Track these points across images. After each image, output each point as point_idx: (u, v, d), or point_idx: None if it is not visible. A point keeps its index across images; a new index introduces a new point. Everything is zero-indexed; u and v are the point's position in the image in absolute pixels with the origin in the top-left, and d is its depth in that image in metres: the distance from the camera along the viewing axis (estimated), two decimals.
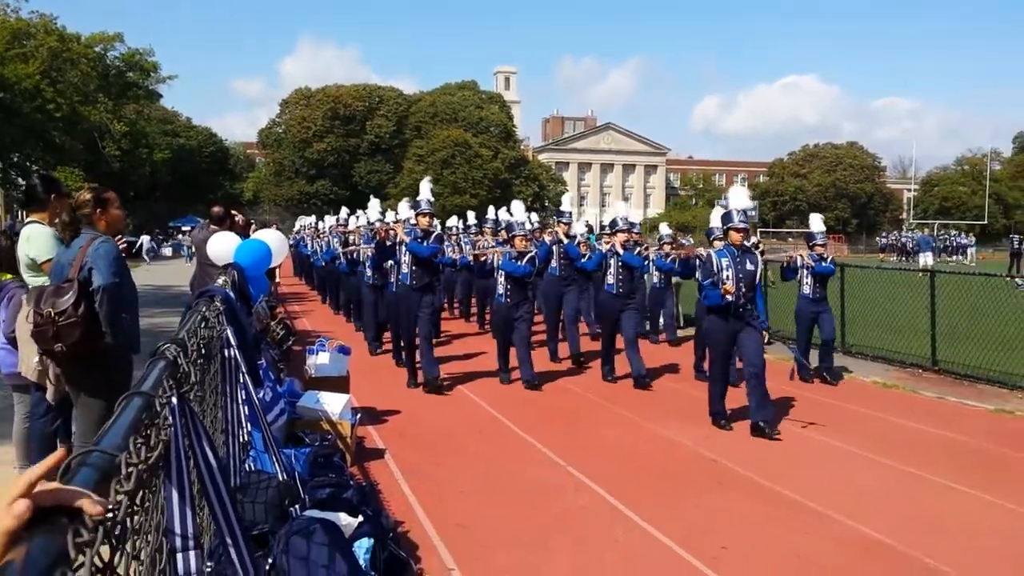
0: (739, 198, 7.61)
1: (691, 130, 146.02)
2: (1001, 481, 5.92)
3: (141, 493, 1.45)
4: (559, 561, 4.49)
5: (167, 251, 46.53)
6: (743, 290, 7.31)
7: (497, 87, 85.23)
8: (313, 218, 26.99)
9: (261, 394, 4.68)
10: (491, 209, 16.66)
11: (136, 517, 1.43)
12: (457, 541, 4.69)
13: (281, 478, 3.88)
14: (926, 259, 30.65)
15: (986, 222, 65.94)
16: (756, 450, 6.77)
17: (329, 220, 19.59)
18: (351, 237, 13.78)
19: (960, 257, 46.06)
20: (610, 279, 9.61)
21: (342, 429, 6.05)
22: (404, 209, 10.22)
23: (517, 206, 11.32)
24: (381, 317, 11.47)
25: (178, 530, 1.82)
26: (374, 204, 12.99)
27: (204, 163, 61.18)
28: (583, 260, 11.09)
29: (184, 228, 48.54)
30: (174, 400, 1.91)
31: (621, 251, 9.55)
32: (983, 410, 8.44)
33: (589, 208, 78.42)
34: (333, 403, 6.18)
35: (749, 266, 7.41)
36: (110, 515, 1.15)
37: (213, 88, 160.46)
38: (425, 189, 9.19)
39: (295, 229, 29.75)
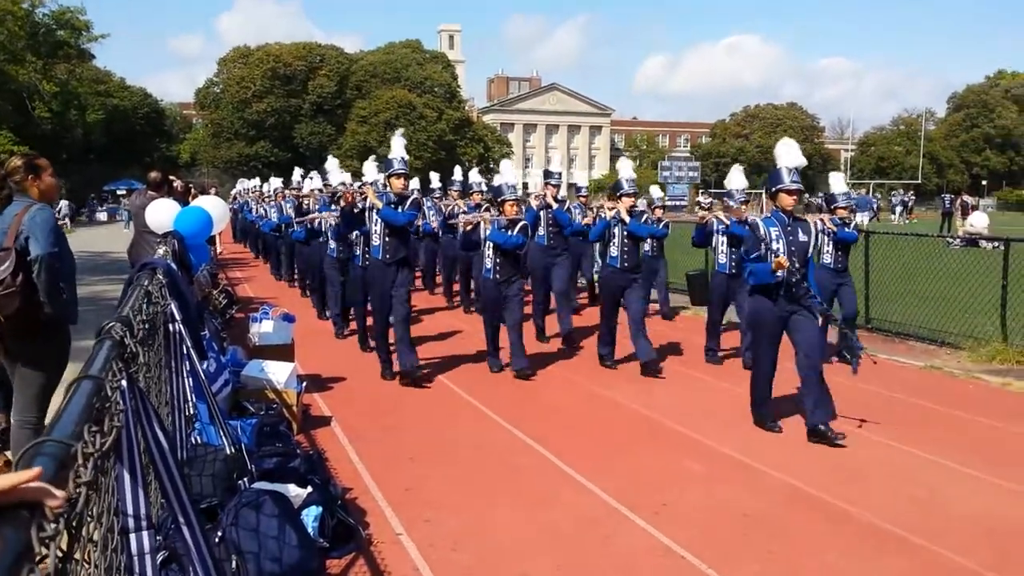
0: (790, 153, 6.33)
1: (636, 90, 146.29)
2: (923, 433, 6.23)
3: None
4: (506, 522, 4.62)
5: (102, 216, 45.35)
6: (796, 265, 6.15)
7: (441, 46, 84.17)
8: (256, 181, 25.44)
9: (205, 365, 4.69)
10: (457, 170, 15.17)
11: (91, 502, 1.47)
12: (405, 506, 4.78)
13: (228, 450, 3.92)
14: (862, 219, 31.34)
15: (920, 181, 67.68)
16: (691, 407, 6.98)
17: (275, 182, 18.43)
18: (307, 202, 12.29)
19: (903, 217, 46.88)
20: (613, 251, 8.46)
21: (288, 398, 6.07)
22: (371, 170, 9.01)
23: (506, 166, 9.81)
24: (348, 295, 10.20)
25: (130, 511, 1.86)
26: (332, 164, 11.53)
27: (139, 124, 59.43)
28: (573, 226, 10.30)
29: (120, 191, 47.28)
30: (124, 383, 1.95)
31: (627, 219, 8.39)
32: (913, 367, 8.80)
33: (534, 169, 78.31)
34: (278, 372, 6.19)
35: (802, 236, 6.28)
36: (69, 506, 1.20)
37: (149, 46, 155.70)
38: (398, 145, 7.91)
39: (235, 192, 28.72)
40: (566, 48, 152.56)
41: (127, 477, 1.85)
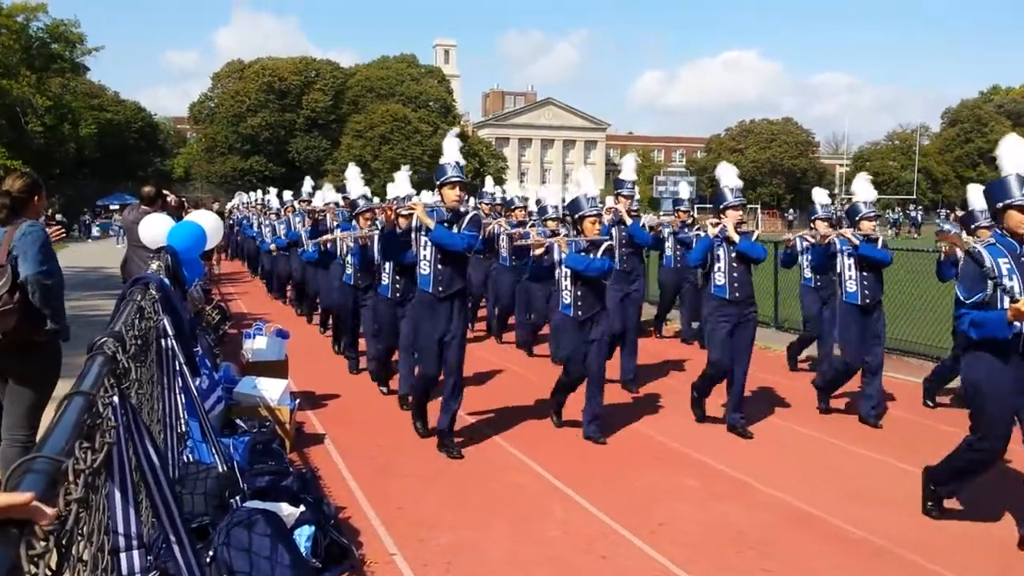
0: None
1: (632, 105, 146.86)
2: (921, 451, 6.21)
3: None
4: (500, 541, 4.59)
5: (95, 231, 45.26)
6: None
7: (436, 61, 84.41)
8: (258, 193, 22.10)
9: (197, 382, 4.67)
10: (488, 181, 13.88)
11: (81, 521, 1.45)
12: (398, 524, 4.75)
13: (220, 468, 3.89)
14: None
15: (915, 197, 67.94)
16: (691, 427, 6.96)
17: (285, 195, 16.31)
18: (326, 218, 10.36)
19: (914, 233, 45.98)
20: (719, 278, 6.69)
21: (281, 415, 6.04)
22: (403, 181, 8.03)
23: (586, 176, 7.49)
24: (364, 328, 8.75)
25: (121, 529, 1.84)
26: (353, 173, 9.61)
27: (133, 139, 59.36)
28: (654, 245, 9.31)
29: (113, 206, 47.21)
30: (115, 400, 1.93)
31: (737, 237, 6.68)
32: (911, 383, 8.78)
33: (530, 184, 78.49)
34: (271, 389, 6.16)
35: None
36: (59, 524, 1.18)
37: (146, 60, 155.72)
38: (452, 148, 6.25)
39: (231, 206, 26.65)
40: (562, 63, 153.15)
41: (118, 495, 1.83)
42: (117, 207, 44.52)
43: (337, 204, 10.59)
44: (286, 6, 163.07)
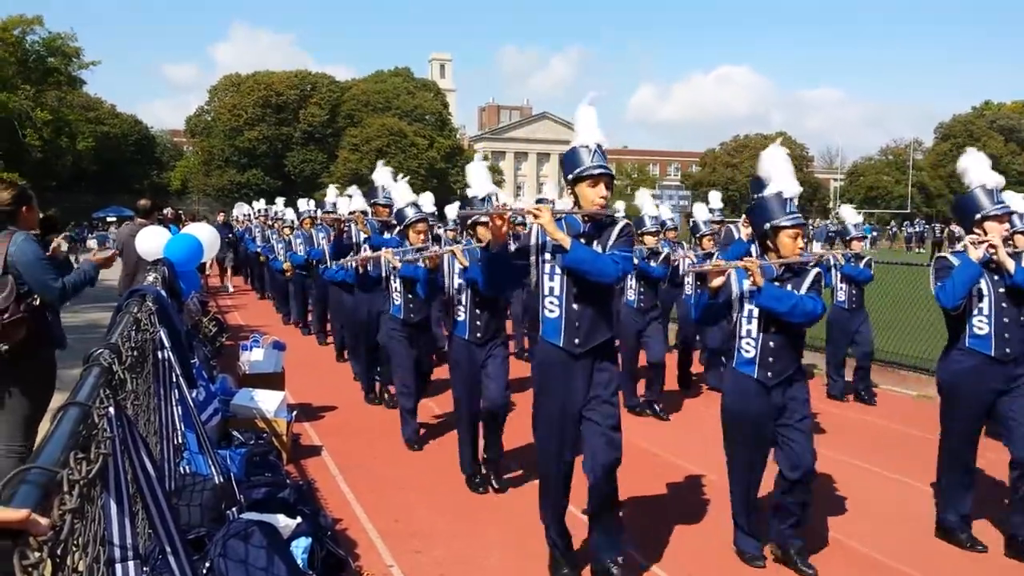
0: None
1: (627, 119, 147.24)
2: (918, 464, 6.20)
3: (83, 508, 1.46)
4: (496, 553, 4.57)
5: (92, 243, 45.21)
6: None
7: (432, 75, 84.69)
8: (261, 203, 19.97)
9: (194, 394, 4.65)
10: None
11: (76, 531, 1.44)
12: (394, 536, 4.73)
13: (217, 480, 3.87)
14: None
15: (909, 211, 68.15)
16: (693, 441, 6.95)
17: (301, 204, 13.64)
18: (353, 230, 8.53)
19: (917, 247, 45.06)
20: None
21: (277, 427, 6.02)
22: (426, 202, 7.34)
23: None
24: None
25: (116, 540, 1.83)
26: (384, 174, 8.30)
27: (129, 152, 59.50)
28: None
29: (110, 219, 47.18)
30: (111, 410, 1.92)
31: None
32: (907, 396, 8.79)
33: (526, 198, 78.68)
34: (268, 401, 6.14)
35: None
36: (54, 534, 1.17)
37: (144, 74, 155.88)
38: (589, 119, 4.12)
39: (232, 218, 24.58)
40: (558, 78, 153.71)
41: (113, 506, 1.82)
42: (114, 219, 44.47)
43: (364, 213, 8.81)
44: (284, 21, 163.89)
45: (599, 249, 3.96)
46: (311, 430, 7.05)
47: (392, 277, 6.68)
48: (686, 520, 5.09)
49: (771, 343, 4.25)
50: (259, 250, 16.51)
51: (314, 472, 5.90)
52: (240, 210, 23.78)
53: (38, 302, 4.36)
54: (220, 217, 23.79)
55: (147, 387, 3.52)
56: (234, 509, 3.84)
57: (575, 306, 3.97)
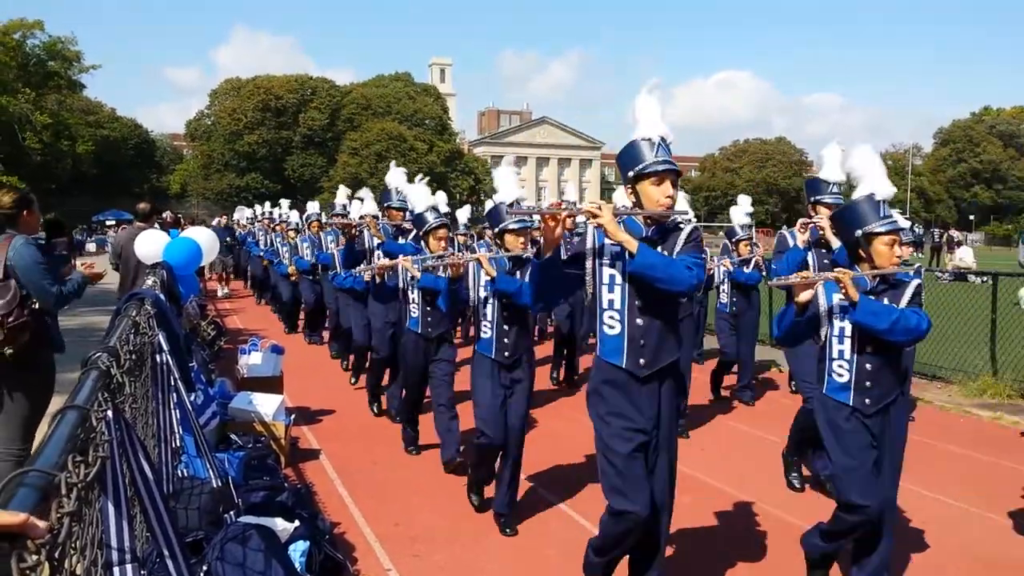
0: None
1: (628, 124, 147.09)
2: (916, 468, 6.20)
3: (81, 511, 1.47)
4: (496, 557, 4.56)
5: (91, 246, 45.24)
6: None
7: (432, 79, 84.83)
8: (265, 206, 18.74)
9: (192, 397, 4.65)
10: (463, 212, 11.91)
11: (74, 535, 1.44)
12: (393, 540, 4.72)
13: (215, 483, 3.87)
14: None
15: (908, 216, 68.27)
16: (688, 445, 6.95)
17: (310, 207, 13.14)
18: (365, 235, 7.75)
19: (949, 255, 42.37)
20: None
21: (276, 430, 6.02)
22: (422, 194, 6.17)
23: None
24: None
25: (114, 543, 1.83)
26: (398, 175, 7.79)
27: (129, 155, 59.59)
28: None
29: (109, 222, 47.21)
30: (109, 414, 1.92)
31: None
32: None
33: (525, 203, 78.53)
34: (266, 404, 6.14)
35: None
36: (51, 537, 1.17)
37: (146, 77, 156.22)
38: (650, 109, 3.57)
39: (233, 221, 23.85)
40: (558, 83, 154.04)
41: (111, 509, 1.82)
42: (113, 223, 44.49)
43: (375, 217, 8.09)
44: (285, 25, 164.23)
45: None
46: (309, 433, 7.05)
47: (410, 287, 6.16)
48: (729, 547, 5.09)
49: (868, 365, 3.76)
50: (262, 254, 16.10)
51: (312, 476, 5.90)
52: (242, 214, 23.22)
53: (37, 306, 4.37)
54: (223, 220, 23.31)
55: (145, 390, 3.52)
56: (232, 512, 3.84)
57: (639, 321, 3.44)
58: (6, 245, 4.37)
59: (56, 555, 1.23)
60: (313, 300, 11.84)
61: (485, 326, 4.96)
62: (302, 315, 12.94)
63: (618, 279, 3.44)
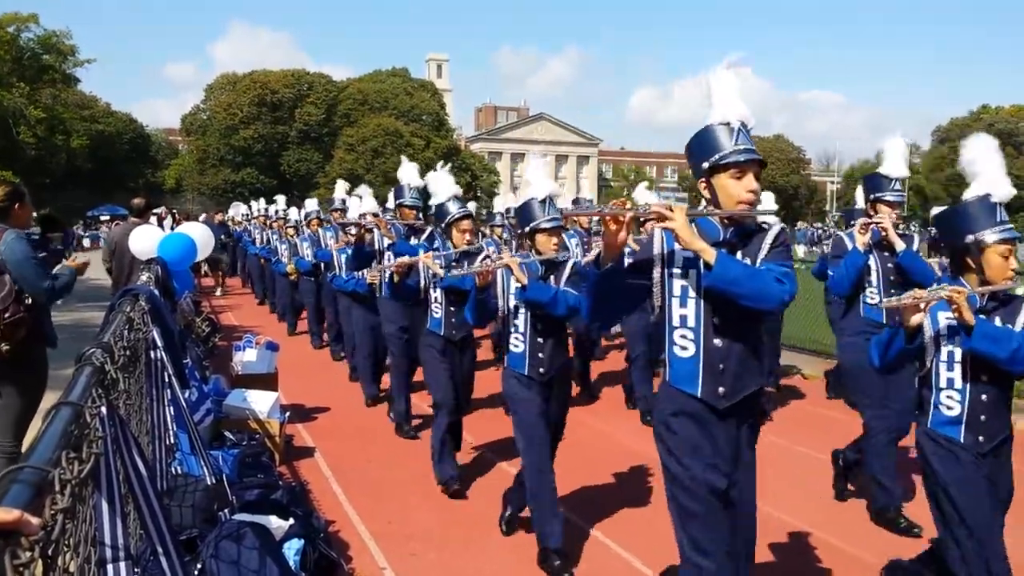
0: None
1: (628, 122, 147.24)
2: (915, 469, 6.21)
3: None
4: (494, 557, 4.56)
5: (87, 241, 45.18)
6: None
7: (429, 75, 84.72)
8: (261, 203, 18.47)
9: (187, 394, 4.65)
10: (502, 200, 11.38)
11: (68, 531, 1.44)
12: (389, 539, 4.72)
13: (209, 481, 3.87)
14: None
15: (906, 214, 68.45)
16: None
17: (309, 205, 12.78)
18: (376, 234, 7.25)
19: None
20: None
21: (270, 428, 6.01)
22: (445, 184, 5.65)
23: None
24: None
25: (108, 541, 1.82)
26: (410, 170, 7.08)
27: (124, 150, 59.40)
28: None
29: (104, 217, 47.11)
30: (103, 410, 1.91)
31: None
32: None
33: (559, 200, 78.48)
34: (261, 401, 6.13)
35: None
36: (45, 533, 1.17)
37: (143, 72, 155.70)
38: (727, 87, 3.10)
39: (227, 217, 23.17)
40: (556, 79, 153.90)
41: (105, 506, 1.81)
42: (107, 218, 44.39)
43: (375, 215, 7.70)
44: (282, 20, 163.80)
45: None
46: (304, 431, 7.04)
47: (432, 286, 5.67)
48: None
49: (983, 396, 3.30)
50: (258, 252, 15.70)
51: (307, 473, 5.89)
52: (237, 210, 22.66)
53: (30, 301, 4.37)
54: (217, 216, 22.75)
55: (139, 387, 3.51)
56: (226, 510, 3.83)
57: (717, 341, 2.93)
58: None
59: (50, 552, 1.23)
60: (313, 301, 11.37)
61: (516, 339, 4.42)
62: (303, 315, 12.46)
63: (691, 292, 2.94)
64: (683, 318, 2.95)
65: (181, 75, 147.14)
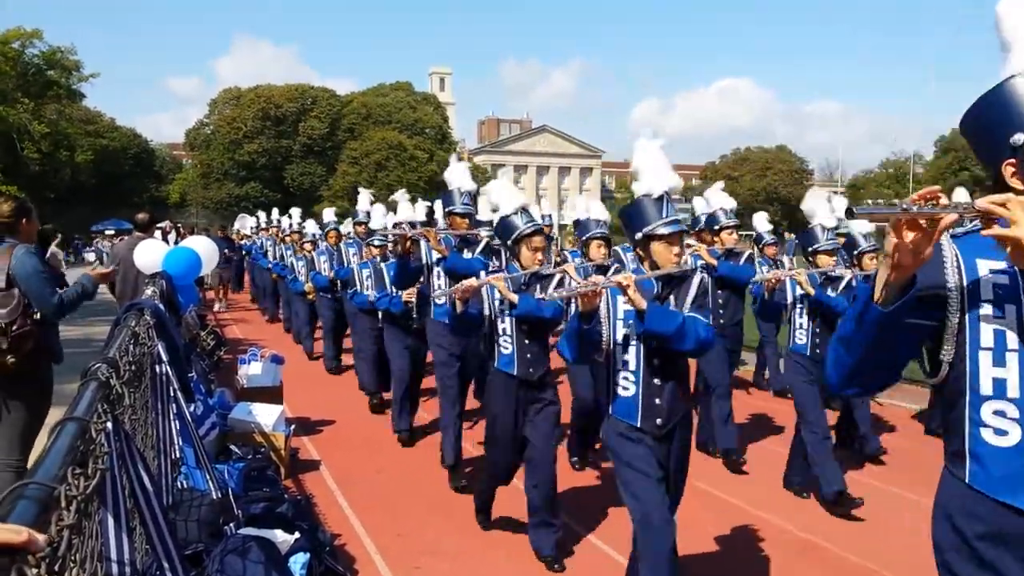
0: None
1: (631, 133, 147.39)
2: (920, 477, 6.18)
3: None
4: (500, 571, 4.53)
5: (89, 256, 45.26)
6: None
7: (432, 88, 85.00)
8: (273, 214, 17.55)
9: (192, 408, 4.64)
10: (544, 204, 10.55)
11: (74, 547, 1.43)
12: (395, 552, 4.70)
13: (214, 495, 3.85)
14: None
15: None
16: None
17: (327, 215, 11.95)
18: (423, 248, 6.46)
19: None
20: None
21: (276, 441, 6.00)
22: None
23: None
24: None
25: (114, 556, 1.82)
26: (461, 170, 6.34)
27: (128, 165, 59.63)
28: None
29: (108, 231, 47.20)
30: (109, 425, 1.91)
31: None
32: (908, 409, 8.78)
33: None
34: (266, 414, 6.12)
35: None
36: (51, 550, 1.16)
37: (147, 87, 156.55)
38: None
39: (232, 231, 22.70)
40: (559, 91, 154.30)
41: (111, 521, 1.81)
42: (112, 232, 44.46)
43: (413, 225, 6.64)
44: (286, 34, 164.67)
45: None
46: (309, 444, 7.03)
47: (499, 316, 4.63)
48: None
49: (655, 379, 3.51)
50: (270, 267, 14.69)
51: (312, 487, 5.88)
52: (243, 223, 21.71)
53: (38, 315, 4.37)
54: (217, 230, 22.58)
55: (145, 401, 3.51)
56: (232, 524, 3.82)
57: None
58: (8, 254, 4.38)
59: (56, 568, 1.22)
60: (332, 320, 10.52)
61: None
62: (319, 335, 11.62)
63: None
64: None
65: (185, 90, 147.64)
